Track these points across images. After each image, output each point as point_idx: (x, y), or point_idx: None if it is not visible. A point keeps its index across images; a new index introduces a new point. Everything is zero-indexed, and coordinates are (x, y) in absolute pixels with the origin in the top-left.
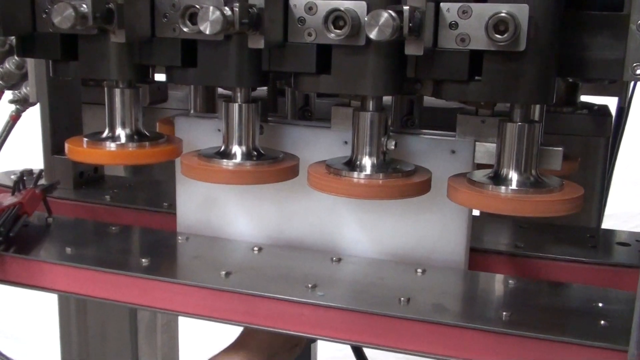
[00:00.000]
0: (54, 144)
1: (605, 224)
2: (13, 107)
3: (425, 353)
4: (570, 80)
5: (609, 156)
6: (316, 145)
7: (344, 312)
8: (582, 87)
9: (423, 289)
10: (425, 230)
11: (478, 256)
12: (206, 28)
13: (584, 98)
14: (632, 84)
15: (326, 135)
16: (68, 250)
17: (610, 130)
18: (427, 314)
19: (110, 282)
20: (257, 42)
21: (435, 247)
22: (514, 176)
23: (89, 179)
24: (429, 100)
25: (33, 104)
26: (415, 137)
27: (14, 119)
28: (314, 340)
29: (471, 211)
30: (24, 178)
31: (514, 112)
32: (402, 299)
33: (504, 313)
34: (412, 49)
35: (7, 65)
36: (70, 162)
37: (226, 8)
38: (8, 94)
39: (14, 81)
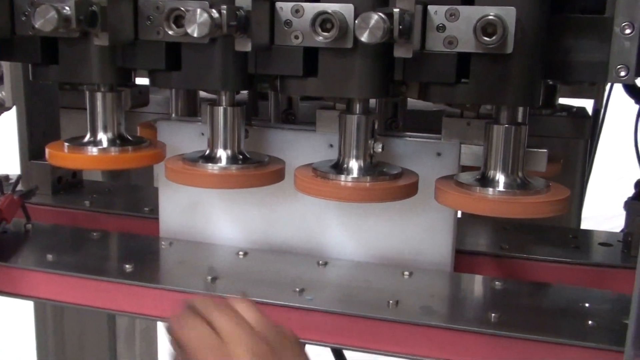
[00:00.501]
0: (31, 149)
1: (582, 226)
2: None
3: (415, 356)
4: (550, 82)
5: (587, 158)
6: (301, 148)
7: (334, 316)
8: (559, 90)
9: (411, 291)
10: (411, 233)
11: (463, 258)
12: (194, 31)
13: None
14: (608, 86)
15: (311, 139)
16: (49, 257)
17: (589, 132)
18: (416, 316)
19: (94, 289)
20: (245, 45)
21: (421, 249)
22: (501, 178)
23: (68, 184)
24: (410, 102)
25: (8, 109)
26: (400, 139)
27: None
28: None
29: (457, 213)
30: (1, 184)
31: (501, 114)
32: (391, 301)
33: (493, 314)
34: (401, 52)
35: None
36: (48, 168)
37: (213, 10)
38: None
39: None
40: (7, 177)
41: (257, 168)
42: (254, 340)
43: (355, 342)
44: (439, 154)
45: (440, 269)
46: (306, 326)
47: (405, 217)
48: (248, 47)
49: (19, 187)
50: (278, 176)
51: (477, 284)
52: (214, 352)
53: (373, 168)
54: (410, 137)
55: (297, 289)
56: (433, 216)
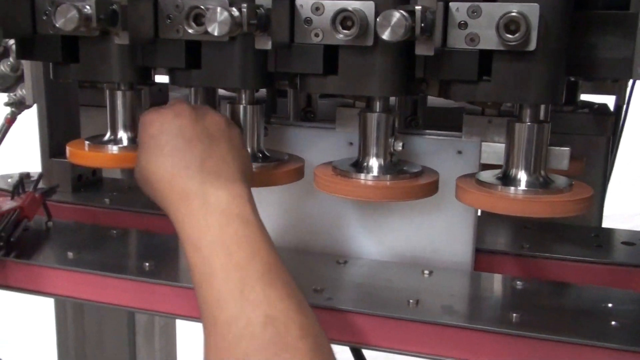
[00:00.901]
0: (52, 147)
1: (602, 225)
2: (8, 109)
3: (436, 355)
4: (572, 79)
5: (609, 155)
6: (321, 146)
7: (354, 315)
8: (581, 86)
9: (431, 290)
10: (431, 232)
11: (483, 257)
12: (214, 29)
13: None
14: (630, 82)
15: (331, 137)
16: (70, 254)
17: (611, 129)
18: (437, 316)
19: (114, 287)
20: (265, 43)
21: (441, 248)
22: (523, 176)
23: (87, 182)
24: (429, 99)
25: (29, 107)
26: (420, 137)
27: (9, 122)
28: None
29: (477, 212)
30: (22, 182)
31: (523, 112)
32: (411, 301)
33: (514, 314)
34: (423, 49)
35: (2, 68)
36: (68, 165)
37: (233, 9)
38: (3, 97)
39: (9, 84)
40: (28, 175)
41: (277, 166)
42: (190, 106)
43: (375, 341)
44: (459, 152)
45: (461, 268)
46: (326, 325)
47: (426, 216)
48: (268, 45)
49: (40, 185)
50: (298, 174)
51: (497, 283)
52: (153, 111)
53: (393, 166)
54: (430, 135)
55: (318, 288)
56: (453, 215)
